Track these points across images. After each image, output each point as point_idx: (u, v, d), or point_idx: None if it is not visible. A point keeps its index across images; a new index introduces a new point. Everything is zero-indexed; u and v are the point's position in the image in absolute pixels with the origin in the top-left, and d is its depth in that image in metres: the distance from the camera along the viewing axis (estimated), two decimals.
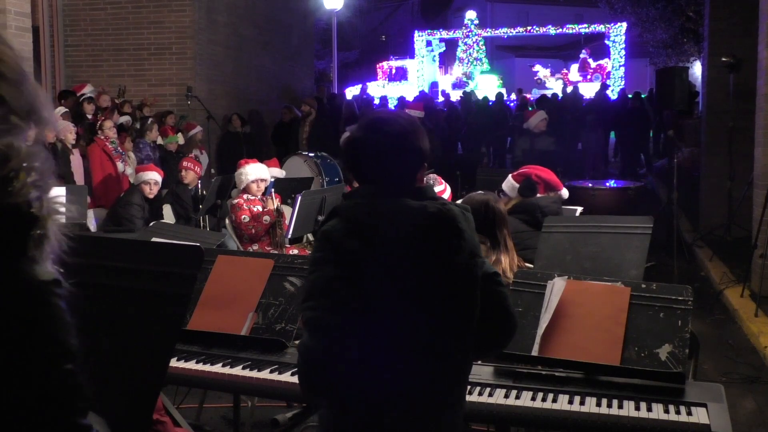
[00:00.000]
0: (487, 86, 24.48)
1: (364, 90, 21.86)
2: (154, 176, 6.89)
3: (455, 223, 2.00)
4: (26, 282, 1.10)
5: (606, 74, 23.91)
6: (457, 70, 28.38)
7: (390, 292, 1.91)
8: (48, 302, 1.11)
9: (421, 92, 19.88)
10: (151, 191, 6.84)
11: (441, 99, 19.60)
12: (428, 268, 1.94)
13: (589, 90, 18.73)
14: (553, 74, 27.39)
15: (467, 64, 27.42)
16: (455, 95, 21.32)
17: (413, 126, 2.06)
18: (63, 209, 1.16)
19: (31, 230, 1.10)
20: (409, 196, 1.99)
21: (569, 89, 18.79)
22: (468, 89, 22.82)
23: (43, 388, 1.10)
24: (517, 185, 5.17)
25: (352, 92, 23.17)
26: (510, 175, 5.35)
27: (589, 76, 24.76)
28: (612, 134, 16.11)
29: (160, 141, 9.76)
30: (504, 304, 2.10)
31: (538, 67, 27.63)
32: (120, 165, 8.35)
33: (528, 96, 20.48)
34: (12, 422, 1.08)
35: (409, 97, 18.00)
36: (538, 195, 5.06)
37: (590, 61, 25.46)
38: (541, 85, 26.18)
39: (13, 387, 1.08)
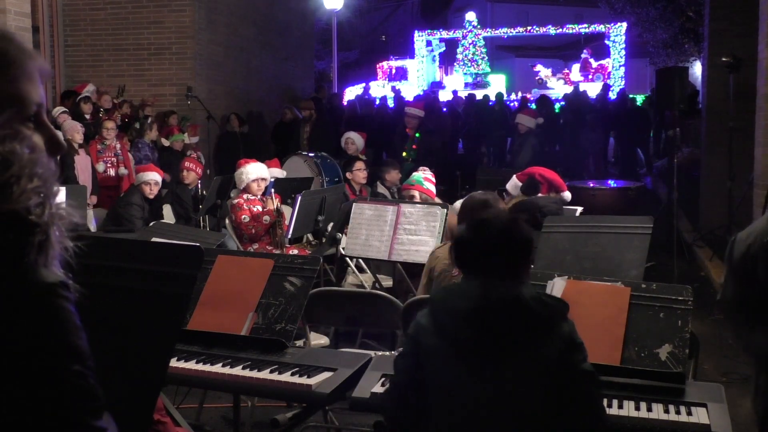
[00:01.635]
0: (497, 86, 24.49)
1: (366, 90, 21.84)
2: (155, 176, 6.89)
3: (556, 320, 2.12)
4: (30, 286, 1.10)
5: (606, 74, 23.91)
6: (462, 72, 28.31)
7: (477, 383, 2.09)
8: (54, 304, 1.11)
9: (425, 92, 19.86)
10: (152, 191, 6.84)
11: (448, 98, 19.56)
12: (522, 362, 2.08)
13: (591, 90, 18.70)
14: (554, 74, 27.36)
15: (470, 65, 27.37)
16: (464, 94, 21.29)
17: (514, 221, 2.26)
18: (70, 215, 1.16)
19: (30, 236, 1.09)
20: (511, 289, 2.12)
21: (578, 87, 18.74)
22: (483, 89, 22.89)
23: (53, 390, 1.10)
24: (521, 184, 5.20)
25: (354, 92, 23.17)
26: (515, 175, 5.38)
27: (590, 76, 24.73)
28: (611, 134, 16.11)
29: (165, 142, 9.77)
30: (593, 406, 2.16)
31: (539, 67, 27.58)
32: (101, 166, 8.34)
33: (528, 96, 20.46)
34: (24, 425, 1.09)
35: (408, 96, 17.99)
36: (539, 195, 5.07)
37: (591, 61, 25.43)
38: (543, 85, 26.15)
39: (24, 390, 1.08)
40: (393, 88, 22.94)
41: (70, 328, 1.13)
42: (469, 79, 27.17)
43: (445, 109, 15.48)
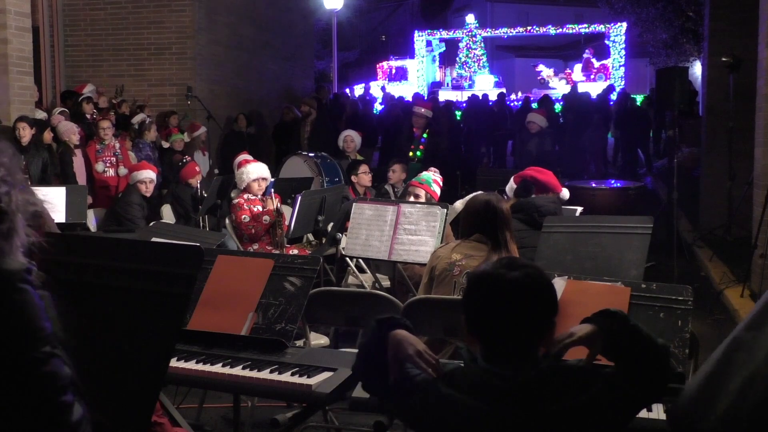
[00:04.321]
0: (485, 86, 24.40)
1: (367, 90, 21.83)
2: (149, 174, 6.90)
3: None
4: None
5: (607, 74, 23.92)
6: (452, 73, 28.26)
7: None
8: (18, 289, 1.13)
9: (416, 93, 19.86)
10: (147, 189, 6.84)
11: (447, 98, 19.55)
12: None
13: (593, 90, 18.71)
14: (556, 74, 27.35)
15: (467, 67, 27.32)
16: (446, 96, 21.26)
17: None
18: (32, 204, 1.17)
19: None
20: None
21: (577, 87, 18.74)
22: (465, 88, 22.83)
23: (23, 372, 1.12)
24: (515, 186, 5.22)
25: (355, 92, 23.19)
26: (513, 177, 5.40)
27: (592, 76, 24.73)
28: (609, 134, 16.12)
29: (165, 144, 9.78)
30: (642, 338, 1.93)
31: (541, 67, 27.56)
32: (100, 166, 8.34)
33: (530, 96, 20.47)
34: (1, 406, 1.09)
35: (408, 97, 17.98)
36: (533, 195, 5.08)
37: (594, 60, 25.42)
38: (544, 85, 26.13)
39: None
40: (383, 89, 22.94)
41: (37, 312, 1.15)
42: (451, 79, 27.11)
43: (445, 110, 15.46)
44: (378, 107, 18.69)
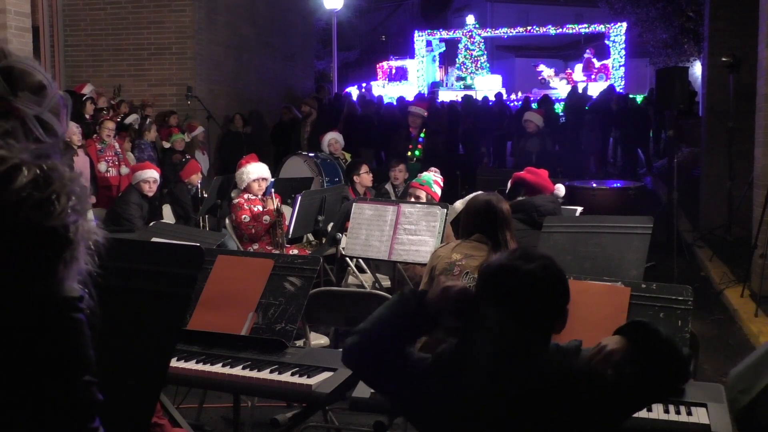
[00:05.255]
0: (488, 86, 24.39)
1: (368, 90, 21.81)
2: (153, 174, 6.89)
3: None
4: (52, 299, 1.14)
5: (608, 74, 23.92)
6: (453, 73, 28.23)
7: None
8: (71, 318, 1.17)
9: (420, 93, 19.86)
10: (151, 189, 6.84)
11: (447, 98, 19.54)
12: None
13: (593, 90, 18.70)
14: (556, 74, 27.34)
15: (464, 68, 27.29)
16: (446, 96, 21.24)
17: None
18: (95, 233, 1.20)
19: (63, 253, 1.13)
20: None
21: (577, 87, 18.73)
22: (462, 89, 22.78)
23: (62, 397, 1.15)
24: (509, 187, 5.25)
25: (356, 92, 23.17)
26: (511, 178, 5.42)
27: (593, 76, 24.72)
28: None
29: (165, 144, 9.78)
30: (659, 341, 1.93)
31: (542, 67, 27.54)
32: (102, 166, 8.34)
33: (530, 96, 20.47)
34: (34, 428, 1.12)
35: (409, 97, 17.99)
36: (522, 197, 5.09)
37: (594, 60, 25.42)
38: (545, 84, 26.12)
39: (37, 395, 1.13)
40: (359, 86, 22.89)
41: (85, 340, 1.19)
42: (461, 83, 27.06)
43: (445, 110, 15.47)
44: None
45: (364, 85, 25.80)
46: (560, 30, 25.70)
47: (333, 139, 9.46)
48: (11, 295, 1.11)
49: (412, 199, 5.59)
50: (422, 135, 9.36)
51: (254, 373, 2.74)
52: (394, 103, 16.60)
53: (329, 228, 6.10)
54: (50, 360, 1.13)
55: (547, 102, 15.37)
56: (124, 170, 8.45)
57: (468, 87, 25.14)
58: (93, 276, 1.20)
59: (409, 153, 9.26)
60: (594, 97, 16.41)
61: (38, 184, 1.11)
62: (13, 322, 1.11)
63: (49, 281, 1.13)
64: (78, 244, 1.14)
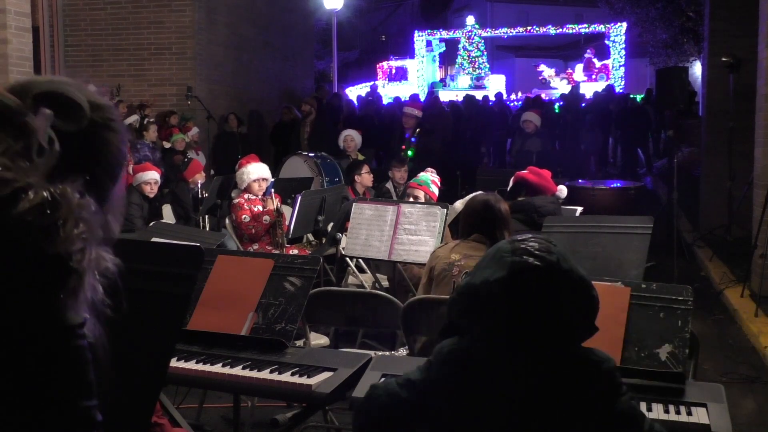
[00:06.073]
0: (497, 86, 24.43)
1: (374, 89, 21.73)
2: (154, 175, 6.90)
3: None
4: (54, 326, 1.12)
5: (608, 74, 23.94)
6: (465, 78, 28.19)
7: None
8: (72, 345, 1.15)
9: (414, 94, 19.85)
10: (152, 190, 6.84)
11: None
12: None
13: (587, 89, 18.71)
14: (557, 74, 27.35)
15: (462, 69, 27.27)
16: (445, 96, 21.23)
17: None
18: (106, 261, 1.18)
19: (66, 281, 1.11)
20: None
21: (578, 87, 18.75)
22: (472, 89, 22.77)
23: (63, 423, 1.14)
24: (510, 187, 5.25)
25: (356, 92, 23.13)
26: (512, 179, 5.43)
27: (594, 76, 24.74)
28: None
29: (166, 144, 9.78)
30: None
31: (542, 67, 27.55)
32: None
33: (530, 96, 20.48)
34: None
35: (405, 97, 17.99)
36: (522, 198, 5.10)
37: (595, 60, 25.43)
38: (546, 84, 26.13)
39: (36, 422, 1.12)
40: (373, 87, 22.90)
41: (86, 366, 1.17)
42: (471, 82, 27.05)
43: (447, 110, 15.46)
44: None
45: (369, 84, 25.78)
46: (560, 30, 25.72)
47: (349, 136, 9.24)
48: (10, 321, 1.09)
49: (411, 200, 5.59)
50: (415, 135, 9.38)
51: (254, 373, 2.74)
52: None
53: (329, 228, 6.10)
54: (48, 387, 1.12)
55: (538, 102, 15.36)
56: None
57: (480, 87, 25.17)
58: (101, 305, 1.18)
59: (403, 153, 9.28)
60: (587, 96, 16.41)
61: (43, 209, 1.08)
62: (12, 349, 1.10)
63: (50, 309, 1.11)
64: (84, 273, 1.12)
